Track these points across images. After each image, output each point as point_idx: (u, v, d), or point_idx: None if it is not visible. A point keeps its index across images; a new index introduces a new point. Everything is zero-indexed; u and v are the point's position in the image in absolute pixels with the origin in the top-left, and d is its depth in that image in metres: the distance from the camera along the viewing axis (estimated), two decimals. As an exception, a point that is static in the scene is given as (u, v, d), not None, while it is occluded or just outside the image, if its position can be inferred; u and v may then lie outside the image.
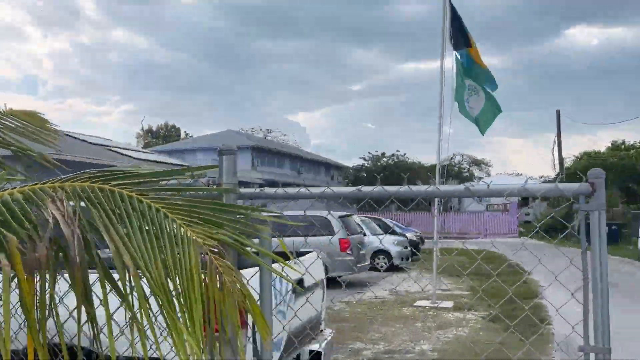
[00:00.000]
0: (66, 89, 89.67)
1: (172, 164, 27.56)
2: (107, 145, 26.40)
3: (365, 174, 53.44)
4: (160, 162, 26.91)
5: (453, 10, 9.51)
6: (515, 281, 12.46)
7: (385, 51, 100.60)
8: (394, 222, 25.03)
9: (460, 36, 9.60)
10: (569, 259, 2.35)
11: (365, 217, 18.07)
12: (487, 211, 48.42)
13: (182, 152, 45.68)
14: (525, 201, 53.17)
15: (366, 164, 55.32)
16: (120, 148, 26.50)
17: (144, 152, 28.99)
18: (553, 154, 32.15)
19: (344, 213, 12.69)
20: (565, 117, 33.50)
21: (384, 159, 53.78)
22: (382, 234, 15.98)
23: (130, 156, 25.36)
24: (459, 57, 9.67)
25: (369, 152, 53.13)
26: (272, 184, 45.45)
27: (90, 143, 26.11)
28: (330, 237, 11.19)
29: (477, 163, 69.49)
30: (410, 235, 18.23)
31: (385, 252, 14.70)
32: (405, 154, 54.51)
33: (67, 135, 26.56)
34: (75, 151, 23.29)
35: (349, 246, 11.10)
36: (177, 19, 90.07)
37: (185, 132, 59.69)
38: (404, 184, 2.32)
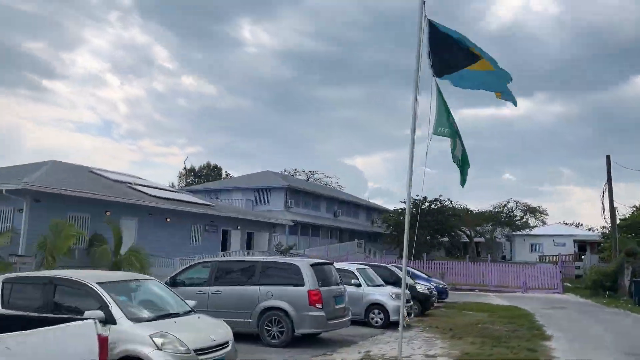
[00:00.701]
0: (137, 132, 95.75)
1: (189, 202, 27.10)
2: (128, 182, 26.32)
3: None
4: (178, 200, 26.49)
5: (433, 28, 8.28)
6: (524, 348, 10.65)
7: (445, 94, 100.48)
8: (419, 271, 23.17)
9: (451, 58, 8.31)
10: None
11: (366, 264, 16.53)
12: (537, 263, 45.05)
13: (218, 192, 45.64)
14: (582, 253, 49.39)
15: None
16: (140, 185, 26.34)
17: (166, 189, 28.76)
18: (603, 203, 29.33)
19: (322, 261, 11.36)
20: (630, 165, 30.74)
21: (426, 203, 51.55)
22: (382, 285, 14.40)
23: (147, 193, 25.10)
24: (445, 83, 8.39)
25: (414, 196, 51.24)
26: (305, 226, 44.35)
27: (112, 180, 26.13)
28: (298, 287, 9.88)
29: (532, 211, 65.74)
30: (421, 288, 16.46)
31: (380, 306, 13.11)
32: (448, 199, 52.15)
33: (90, 172, 26.81)
34: (95, 187, 23.24)
35: (319, 299, 9.72)
36: (242, 67, 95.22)
37: (226, 172, 60.16)
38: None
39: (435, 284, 21.02)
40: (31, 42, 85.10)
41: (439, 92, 8.37)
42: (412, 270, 22.11)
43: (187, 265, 11.16)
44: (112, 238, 20.50)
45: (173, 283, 10.47)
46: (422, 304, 15.92)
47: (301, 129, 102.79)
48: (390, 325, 13.11)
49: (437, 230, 49.72)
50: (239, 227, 30.73)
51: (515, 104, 8.48)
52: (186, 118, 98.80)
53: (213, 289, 10.28)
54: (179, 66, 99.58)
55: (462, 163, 8.44)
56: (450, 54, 8.33)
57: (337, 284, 10.80)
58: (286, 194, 43.15)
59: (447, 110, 8.37)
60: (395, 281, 17.73)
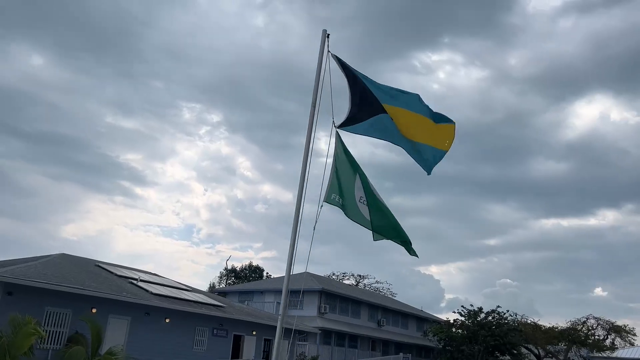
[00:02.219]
0: (216, 236, 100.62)
1: (195, 301, 24.91)
2: (132, 278, 24.84)
3: (460, 331, 46.01)
4: (182, 299, 24.45)
5: (344, 65, 6.31)
6: None
7: (523, 207, 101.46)
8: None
9: (363, 104, 6.26)
10: None
11: None
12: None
13: (251, 293, 43.32)
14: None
15: (462, 320, 47.96)
16: (145, 282, 24.75)
17: (174, 287, 26.90)
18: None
19: None
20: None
21: (482, 315, 46.18)
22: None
23: (148, 290, 23.34)
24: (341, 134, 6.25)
25: (462, 306, 46.22)
26: (341, 335, 40.46)
27: (116, 275, 24.80)
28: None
29: (617, 330, 57.79)
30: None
31: None
32: (508, 310, 46.57)
33: (96, 265, 25.68)
34: (98, 281, 21.85)
35: None
36: (318, 176, 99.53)
37: (267, 273, 58.05)
38: None
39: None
40: (129, 154, 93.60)
41: (343, 147, 6.17)
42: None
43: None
44: (100, 338, 18.61)
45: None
46: None
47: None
48: None
49: (495, 347, 43.88)
50: (254, 333, 27.95)
51: (428, 172, 6.26)
52: (263, 224, 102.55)
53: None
54: (259, 175, 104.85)
55: (395, 233, 6.06)
56: (368, 98, 6.24)
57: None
58: (320, 297, 40.05)
59: (351, 173, 6.10)
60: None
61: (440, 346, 45.62)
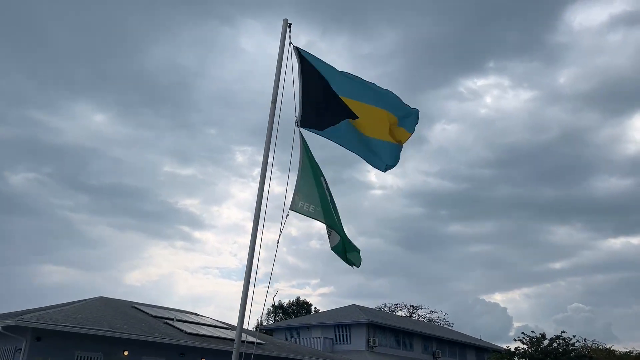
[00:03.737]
0: (274, 274, 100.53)
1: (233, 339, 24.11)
2: (168, 318, 24.45)
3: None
4: (218, 338, 23.76)
5: (304, 61, 5.58)
6: None
7: (589, 227, 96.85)
8: None
9: (322, 109, 5.53)
10: None
11: None
12: None
13: (297, 329, 42.16)
14: None
15: (524, 348, 44.76)
16: (181, 322, 24.29)
17: (213, 326, 26.28)
18: None
19: None
20: None
21: (546, 341, 42.92)
22: None
23: (183, 330, 22.84)
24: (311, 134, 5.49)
25: (523, 333, 43.18)
26: (393, 369, 38.49)
27: (152, 315, 24.51)
28: None
29: None
30: None
31: None
32: (574, 336, 43.10)
33: (133, 307, 25.52)
34: (131, 323, 21.61)
35: None
36: (370, 209, 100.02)
37: (315, 308, 56.71)
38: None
39: None
40: (187, 200, 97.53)
41: (306, 150, 5.40)
42: None
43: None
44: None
45: None
46: None
47: (433, 266, 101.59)
48: None
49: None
50: (297, 371, 26.80)
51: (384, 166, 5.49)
52: (319, 260, 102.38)
53: None
54: None
55: (345, 250, 5.25)
56: (325, 100, 5.49)
57: None
58: (368, 330, 38.38)
59: (317, 175, 5.31)
60: None
61: (503, 378, 42.67)
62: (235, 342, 4.62)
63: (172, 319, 24.35)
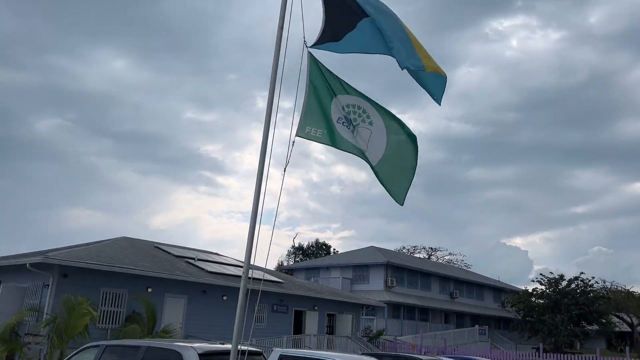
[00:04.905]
0: (295, 219, 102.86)
1: (253, 278, 24.63)
2: (190, 258, 25.05)
3: (542, 300, 43.22)
4: (238, 276, 24.37)
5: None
6: None
7: (613, 171, 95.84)
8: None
9: (342, 14, 5.16)
10: None
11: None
12: None
13: (317, 270, 43.05)
14: None
15: (542, 289, 45.07)
16: (202, 261, 24.87)
17: (232, 265, 26.89)
18: None
19: (226, 348, 7.79)
20: None
21: (564, 282, 43.04)
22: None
23: (204, 269, 23.44)
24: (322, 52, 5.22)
25: (541, 275, 43.38)
26: (411, 308, 39.31)
27: (174, 255, 25.11)
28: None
29: None
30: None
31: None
32: (593, 277, 43.15)
33: (155, 247, 26.13)
34: (154, 262, 22.19)
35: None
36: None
37: (334, 249, 57.67)
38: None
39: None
40: (209, 145, 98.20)
41: (315, 71, 5.14)
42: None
43: (78, 349, 8.56)
44: (155, 317, 18.86)
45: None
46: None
47: (454, 211, 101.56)
48: None
49: (581, 316, 40.84)
50: (315, 308, 27.50)
51: (437, 99, 5.08)
52: (339, 205, 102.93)
53: (92, 383, 7.50)
54: (333, 157, 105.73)
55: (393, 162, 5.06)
56: (340, 9, 5.17)
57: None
58: (386, 271, 38.99)
59: (328, 97, 5.08)
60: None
61: (520, 317, 43.29)
62: (242, 277, 4.60)
63: (193, 259, 24.94)
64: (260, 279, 25.91)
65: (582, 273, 41.98)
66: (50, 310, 17.06)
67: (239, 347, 4.47)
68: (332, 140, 5.24)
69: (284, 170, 5.25)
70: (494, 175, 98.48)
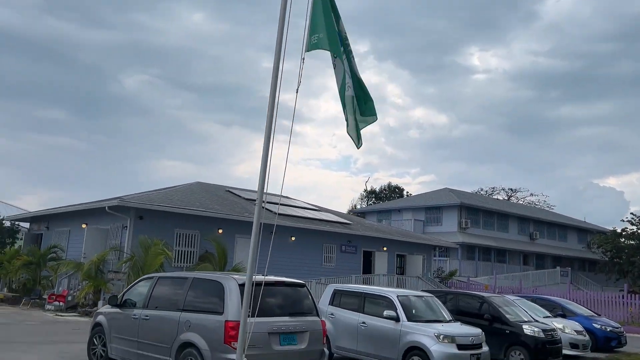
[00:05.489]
0: (372, 165, 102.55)
1: (320, 219, 24.93)
2: (254, 200, 25.65)
3: (633, 241, 40.67)
4: (306, 218, 24.76)
5: None
6: None
7: None
8: (578, 305, 16.85)
9: None
10: None
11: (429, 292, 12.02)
12: None
13: (388, 212, 42.91)
14: None
15: (633, 229, 42.21)
16: (270, 203, 25.33)
17: (301, 207, 27.32)
18: None
19: (274, 279, 7.82)
20: None
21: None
22: (449, 320, 10.00)
23: (271, 211, 23.97)
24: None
25: (632, 214, 40.57)
26: (486, 249, 38.43)
27: (244, 198, 25.86)
28: (216, 316, 6.87)
29: None
30: (531, 329, 11.23)
31: (421, 352, 8.92)
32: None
33: (227, 191, 27.01)
34: (224, 204, 23.05)
35: (237, 335, 6.58)
36: (473, 94, 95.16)
37: (407, 192, 56.94)
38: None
39: (601, 326, 14.94)
40: (286, 94, 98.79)
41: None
42: (562, 302, 16.24)
43: (137, 280, 9.05)
44: (226, 256, 19.76)
45: (123, 303, 8.51)
46: (531, 352, 10.82)
47: (541, 152, 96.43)
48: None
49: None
50: (384, 249, 27.56)
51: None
52: (418, 149, 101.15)
53: (145, 312, 7.96)
54: (410, 101, 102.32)
55: (357, 102, 4.80)
56: None
57: (303, 314, 7.38)
58: (459, 212, 38.08)
59: (329, 10, 4.74)
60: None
61: (607, 258, 41.10)
62: (256, 203, 4.50)
63: (262, 201, 25.55)
64: (328, 220, 26.19)
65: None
66: (129, 250, 18.30)
67: (254, 276, 4.41)
68: (329, 43, 4.91)
69: (297, 92, 5.00)
70: (585, 112, 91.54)
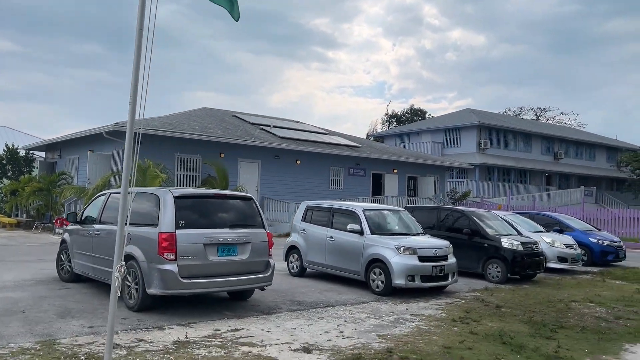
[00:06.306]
0: (408, 90, 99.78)
1: (327, 142, 24.54)
2: (265, 125, 25.45)
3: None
4: (311, 141, 24.47)
5: None
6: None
7: None
8: (573, 220, 16.32)
9: None
10: None
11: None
12: None
13: (407, 135, 42.15)
14: None
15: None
16: (277, 127, 25.15)
17: (309, 131, 26.96)
18: None
19: (214, 192, 7.59)
20: None
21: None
22: (419, 233, 9.79)
23: (276, 135, 23.75)
24: None
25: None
26: (506, 170, 37.59)
27: (249, 123, 25.66)
28: (152, 228, 6.81)
29: None
30: (509, 242, 10.93)
31: (382, 264, 8.79)
32: None
33: (233, 116, 26.80)
34: (227, 129, 22.92)
35: (169, 246, 6.53)
36: (513, 13, 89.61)
37: (429, 114, 55.44)
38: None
39: (598, 240, 14.54)
40: (318, 19, 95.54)
41: None
42: (560, 217, 15.80)
43: (92, 198, 9.07)
44: (230, 180, 19.87)
45: (83, 220, 8.61)
46: (508, 265, 10.60)
47: (585, 70, 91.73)
48: (394, 292, 8.80)
49: None
50: (395, 171, 27.22)
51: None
52: (455, 72, 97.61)
53: (97, 228, 8.03)
54: (447, 21, 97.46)
55: None
56: None
57: (246, 226, 7.25)
58: (478, 133, 37.02)
59: None
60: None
61: (635, 177, 39.76)
62: (128, 116, 4.19)
63: (269, 126, 25.32)
64: (335, 144, 25.86)
65: None
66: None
67: (130, 188, 4.20)
68: None
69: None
70: (635, 25, 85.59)
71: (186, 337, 5.69)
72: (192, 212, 6.91)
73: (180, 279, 6.50)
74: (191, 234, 6.70)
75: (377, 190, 26.64)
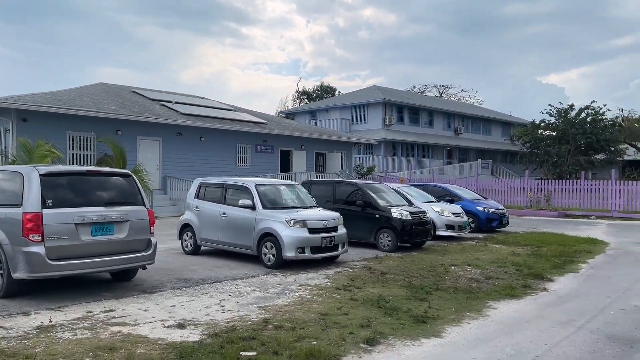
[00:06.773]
0: (323, 68, 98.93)
1: (232, 119, 24.10)
2: (166, 101, 24.52)
3: (553, 132, 42.03)
4: (214, 118, 23.96)
5: None
6: (415, 317, 5.83)
7: None
8: (464, 190, 17.36)
9: None
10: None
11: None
12: None
13: (316, 112, 42.46)
14: None
15: (550, 120, 43.53)
16: (179, 104, 24.30)
17: (212, 107, 26.37)
18: None
19: (82, 169, 7.25)
20: None
21: (572, 112, 41.29)
22: (312, 206, 9.94)
23: (178, 111, 23.00)
24: None
25: (549, 105, 41.67)
26: (410, 145, 39.08)
27: (150, 99, 24.61)
28: (16, 208, 6.36)
29: None
30: (399, 211, 11.42)
31: (273, 238, 8.88)
32: (605, 105, 41.28)
33: (132, 92, 25.54)
34: (124, 105, 21.76)
35: (34, 227, 6.13)
36: None
37: (339, 92, 56.27)
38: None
39: (484, 208, 15.54)
40: None
41: None
42: (451, 188, 16.73)
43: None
44: (129, 159, 18.93)
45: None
46: (397, 234, 11.07)
47: (488, 51, 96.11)
48: (285, 265, 8.90)
49: (589, 145, 39.76)
50: (303, 147, 27.37)
51: None
52: (368, 50, 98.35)
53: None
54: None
55: None
56: None
57: (123, 204, 6.95)
58: (384, 109, 38.08)
59: None
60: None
61: (526, 149, 42.75)
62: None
63: (170, 102, 24.42)
64: (241, 120, 25.41)
65: (593, 101, 40.23)
66: (14, 154, 17.17)
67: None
68: None
69: None
70: (532, 9, 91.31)
71: (50, 321, 5.40)
72: (62, 190, 6.51)
73: (48, 261, 6.13)
74: (60, 214, 6.31)
75: (286, 167, 26.69)
